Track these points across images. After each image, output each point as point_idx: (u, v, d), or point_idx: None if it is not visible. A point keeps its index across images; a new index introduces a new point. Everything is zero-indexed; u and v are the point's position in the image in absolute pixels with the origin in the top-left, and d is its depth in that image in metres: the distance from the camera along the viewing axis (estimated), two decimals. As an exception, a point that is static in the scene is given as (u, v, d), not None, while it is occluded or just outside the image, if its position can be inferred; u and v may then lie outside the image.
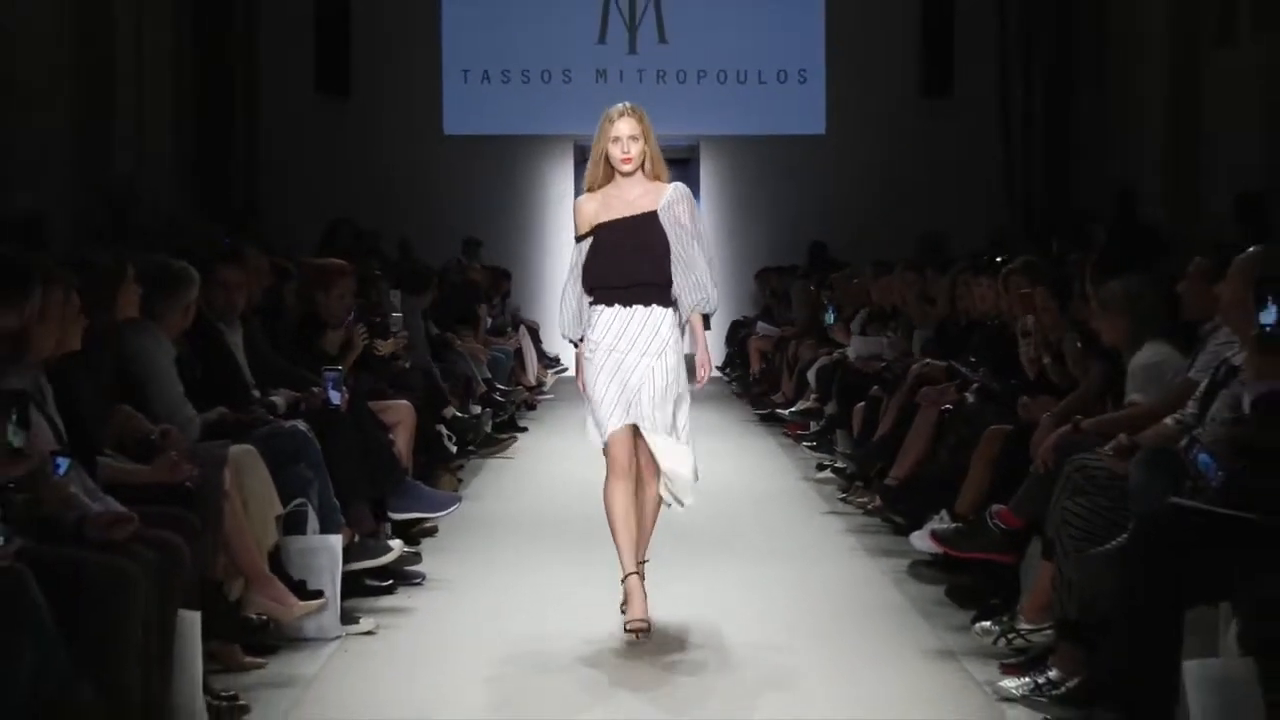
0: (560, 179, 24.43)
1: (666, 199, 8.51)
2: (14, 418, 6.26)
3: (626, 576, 8.49)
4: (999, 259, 12.51)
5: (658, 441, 8.58)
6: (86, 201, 16.79)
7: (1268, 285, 6.57)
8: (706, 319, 8.80)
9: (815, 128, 24.68)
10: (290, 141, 23.38)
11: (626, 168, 8.48)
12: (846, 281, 17.91)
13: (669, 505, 8.87)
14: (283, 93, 23.54)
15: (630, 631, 8.31)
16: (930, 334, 13.09)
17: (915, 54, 24.45)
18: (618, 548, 8.50)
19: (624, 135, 8.42)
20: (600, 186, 8.59)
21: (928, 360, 11.98)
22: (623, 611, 8.51)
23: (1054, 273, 10.19)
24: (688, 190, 8.68)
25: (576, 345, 8.83)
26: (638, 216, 8.50)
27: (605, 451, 8.64)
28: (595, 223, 8.53)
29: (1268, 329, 6.40)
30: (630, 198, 8.52)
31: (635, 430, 8.57)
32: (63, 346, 7.05)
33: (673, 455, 8.63)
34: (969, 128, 24.01)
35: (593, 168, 8.61)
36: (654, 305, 8.52)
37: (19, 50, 15.82)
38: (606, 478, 8.60)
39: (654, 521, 8.82)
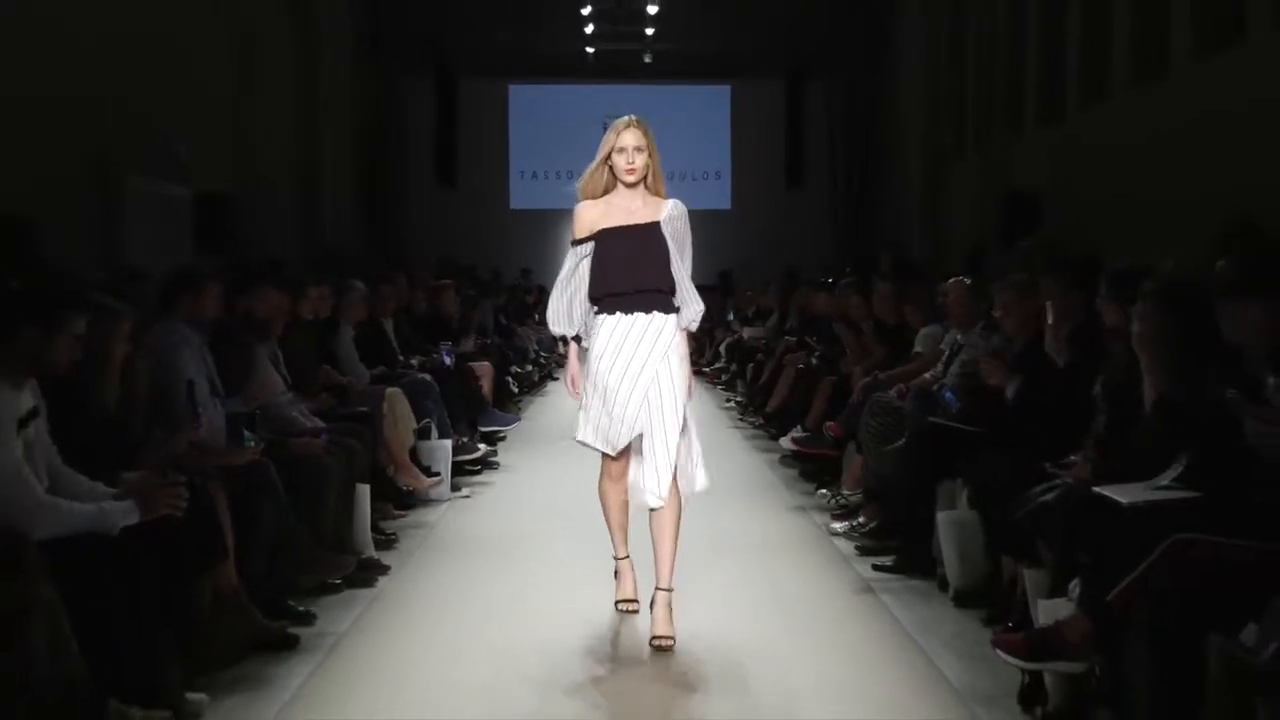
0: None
1: (668, 212, 5.49)
2: (248, 368, 6.31)
3: (619, 559, 5.75)
4: (829, 280, 12.53)
5: (661, 462, 5.33)
6: (306, 249, 16.76)
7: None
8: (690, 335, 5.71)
9: (724, 205, 24.60)
10: (420, 208, 23.40)
11: (630, 178, 5.45)
12: (742, 295, 18.18)
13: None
14: (418, 180, 23.55)
15: (621, 605, 5.66)
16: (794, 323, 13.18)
17: (781, 161, 24.44)
18: (610, 534, 5.73)
19: (629, 146, 5.43)
20: (599, 196, 5.55)
21: (788, 338, 12.05)
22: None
23: (862, 288, 10.22)
24: (684, 208, 5.58)
25: (565, 343, 5.74)
26: (641, 225, 5.45)
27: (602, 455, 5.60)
28: (597, 228, 5.49)
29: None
30: (632, 208, 5.48)
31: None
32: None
33: (674, 470, 5.39)
34: (813, 205, 24.01)
35: (592, 177, 5.55)
36: (655, 312, 5.42)
37: (261, 153, 15.78)
38: (601, 476, 5.68)
39: (674, 540, 5.40)
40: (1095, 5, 13.22)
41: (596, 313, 5.52)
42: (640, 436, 5.39)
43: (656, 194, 5.55)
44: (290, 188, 17.37)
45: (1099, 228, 12.12)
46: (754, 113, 24.48)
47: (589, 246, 5.53)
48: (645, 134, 5.48)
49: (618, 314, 5.44)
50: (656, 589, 5.34)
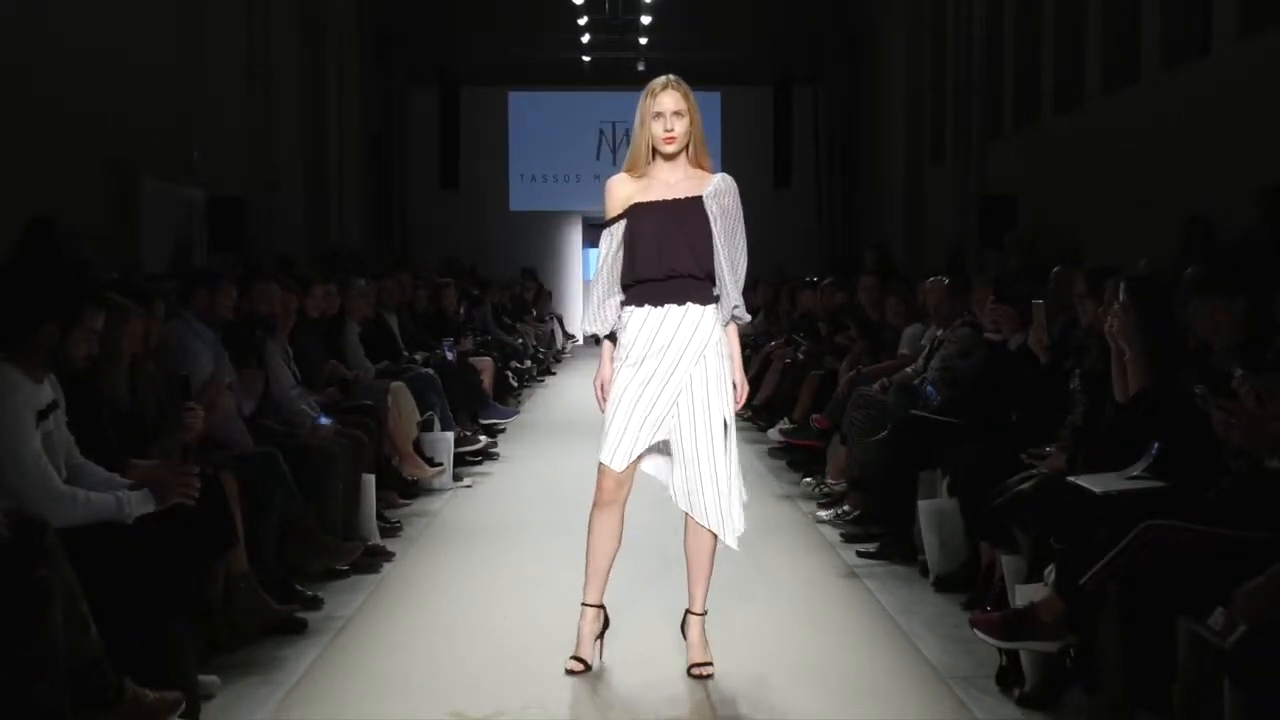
0: (572, 237, 24.31)
1: (714, 186, 4.47)
2: (255, 361, 6.29)
3: (590, 605, 4.62)
4: (814, 279, 12.53)
5: (686, 476, 4.49)
6: (315, 248, 16.75)
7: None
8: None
9: (715, 207, 24.67)
10: (424, 209, 23.37)
11: (669, 148, 4.41)
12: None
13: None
14: (421, 183, 23.54)
15: (573, 663, 4.57)
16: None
17: (769, 163, 24.40)
18: (586, 573, 4.62)
19: (667, 110, 4.39)
20: (639, 170, 4.49)
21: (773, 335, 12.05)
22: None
23: (847, 286, 10.22)
24: (734, 183, 4.56)
25: (598, 341, 4.71)
26: (679, 201, 4.44)
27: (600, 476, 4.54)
28: (630, 203, 4.46)
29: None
30: (671, 181, 4.46)
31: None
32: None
33: (708, 494, 4.48)
34: (799, 206, 23.98)
35: (634, 151, 4.48)
36: (690, 304, 4.43)
37: (274, 150, 15.78)
38: (595, 504, 4.57)
39: (712, 560, 4.61)
40: (1069, 16, 13.23)
41: (625, 303, 4.53)
42: (666, 451, 4.53)
43: (699, 167, 4.54)
44: (300, 184, 17.36)
45: (1073, 228, 12.12)
46: (743, 118, 24.43)
47: (621, 226, 4.49)
48: (686, 96, 4.44)
49: (646, 306, 4.44)
50: (690, 613, 4.64)
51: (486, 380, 10.96)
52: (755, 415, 11.06)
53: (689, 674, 4.59)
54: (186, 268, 9.71)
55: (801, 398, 9.30)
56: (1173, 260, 7.38)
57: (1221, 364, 4.05)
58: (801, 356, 10.29)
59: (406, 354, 9.62)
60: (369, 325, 9.02)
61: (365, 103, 21.12)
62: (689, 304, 4.45)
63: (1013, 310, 6.19)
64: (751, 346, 12.77)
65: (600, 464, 4.53)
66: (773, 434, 9.41)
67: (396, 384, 8.10)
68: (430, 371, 9.07)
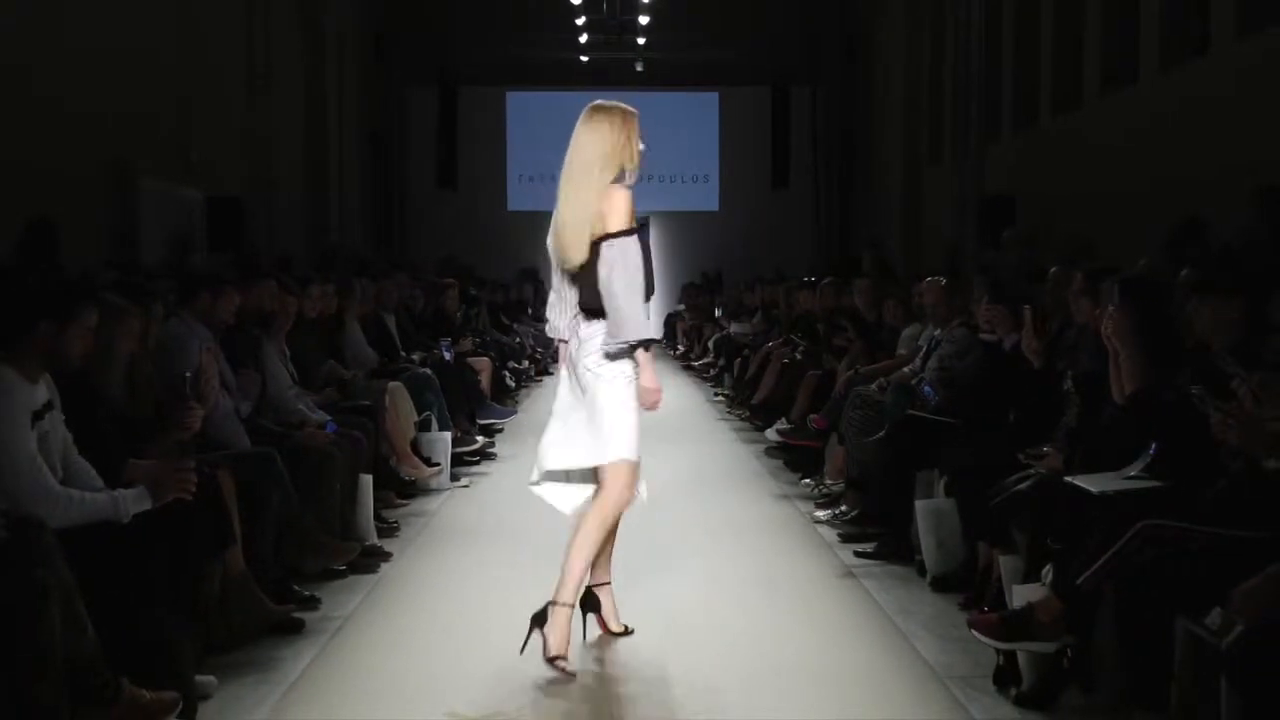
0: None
1: None
2: (253, 362, 6.29)
3: (569, 606, 4.64)
4: (812, 279, 12.53)
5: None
6: (314, 248, 16.74)
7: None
8: None
9: (712, 207, 24.61)
10: (422, 209, 23.37)
11: (633, 180, 4.64)
12: (729, 293, 18.17)
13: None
14: (420, 182, 23.54)
15: (563, 662, 4.53)
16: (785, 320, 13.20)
17: (767, 164, 24.42)
18: (580, 574, 4.76)
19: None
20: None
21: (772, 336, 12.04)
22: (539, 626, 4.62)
23: (842, 287, 10.22)
24: None
25: (647, 348, 4.66)
26: None
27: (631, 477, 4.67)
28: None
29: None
30: None
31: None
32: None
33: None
34: (797, 206, 24.02)
35: (629, 159, 4.64)
36: None
37: (274, 150, 15.76)
38: (624, 504, 4.79)
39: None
40: (1068, 16, 13.23)
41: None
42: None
43: None
44: (300, 185, 17.36)
45: (1071, 228, 12.12)
46: (741, 118, 24.47)
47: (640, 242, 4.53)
48: None
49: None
50: (604, 585, 4.96)
51: (484, 380, 10.96)
52: (753, 415, 11.07)
53: (614, 634, 4.87)
54: (186, 268, 9.69)
55: (799, 398, 9.29)
56: (1165, 262, 7.37)
57: (1219, 364, 4.05)
58: (799, 356, 10.29)
59: (404, 354, 9.61)
60: (367, 325, 9.01)
61: (365, 103, 21.12)
62: None
63: (1007, 310, 6.19)
64: (750, 346, 12.81)
65: (633, 464, 4.70)
66: (770, 434, 9.40)
67: (394, 384, 8.09)
68: (428, 372, 9.07)
